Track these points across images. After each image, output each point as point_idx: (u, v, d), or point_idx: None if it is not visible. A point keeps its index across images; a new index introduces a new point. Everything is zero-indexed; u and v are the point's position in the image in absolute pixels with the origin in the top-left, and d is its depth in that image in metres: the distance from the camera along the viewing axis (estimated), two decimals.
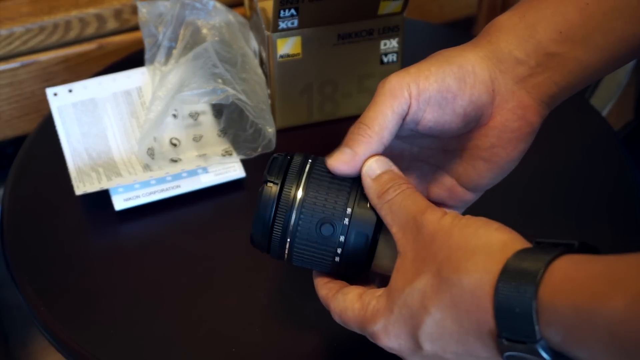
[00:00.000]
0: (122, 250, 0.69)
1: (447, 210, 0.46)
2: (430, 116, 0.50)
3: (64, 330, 0.62)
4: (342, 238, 0.49)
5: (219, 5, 0.78)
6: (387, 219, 0.48)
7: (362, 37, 0.74)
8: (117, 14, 0.90)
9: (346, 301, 0.48)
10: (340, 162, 0.49)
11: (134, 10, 0.90)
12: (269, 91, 0.76)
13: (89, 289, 0.65)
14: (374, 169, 0.49)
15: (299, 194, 0.49)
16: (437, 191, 0.55)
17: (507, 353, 0.40)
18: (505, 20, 0.52)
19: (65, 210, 0.71)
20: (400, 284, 0.45)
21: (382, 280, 0.52)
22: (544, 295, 0.38)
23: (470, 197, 0.55)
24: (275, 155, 0.52)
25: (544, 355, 0.39)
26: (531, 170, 0.72)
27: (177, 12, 0.77)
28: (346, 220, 0.49)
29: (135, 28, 0.91)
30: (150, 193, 0.70)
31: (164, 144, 0.74)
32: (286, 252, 0.50)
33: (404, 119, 0.50)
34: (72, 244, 0.69)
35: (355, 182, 0.50)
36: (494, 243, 0.42)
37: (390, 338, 0.45)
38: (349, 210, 0.49)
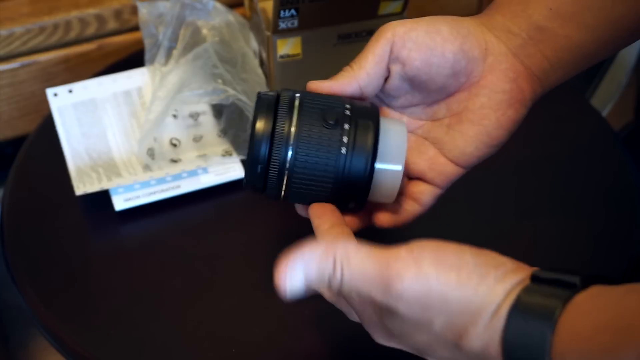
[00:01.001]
0: (122, 250, 0.69)
1: (412, 251, 0.42)
2: (417, 55, 0.50)
3: (64, 331, 0.62)
4: (346, 126, 0.49)
5: (219, 5, 0.78)
6: (356, 311, 0.45)
7: (362, 37, 0.74)
8: (117, 14, 0.90)
9: (365, 251, 0.43)
10: (321, 85, 0.51)
11: (134, 11, 0.90)
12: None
13: (89, 289, 0.65)
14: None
15: (293, 129, 0.49)
16: (417, 161, 0.54)
17: None
18: None
19: (65, 211, 0.71)
20: (398, 333, 0.43)
21: None
22: (555, 354, 0.37)
23: (451, 169, 0.53)
24: (260, 92, 0.51)
25: None
26: (531, 171, 0.72)
27: (177, 12, 0.77)
28: (347, 112, 0.50)
29: (135, 28, 0.91)
30: (150, 193, 0.70)
31: (164, 145, 0.74)
32: (285, 178, 0.49)
33: (389, 57, 0.51)
34: (72, 244, 0.69)
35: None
36: (496, 297, 0.40)
37: (404, 321, 0.43)
38: (347, 106, 0.50)
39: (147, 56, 0.78)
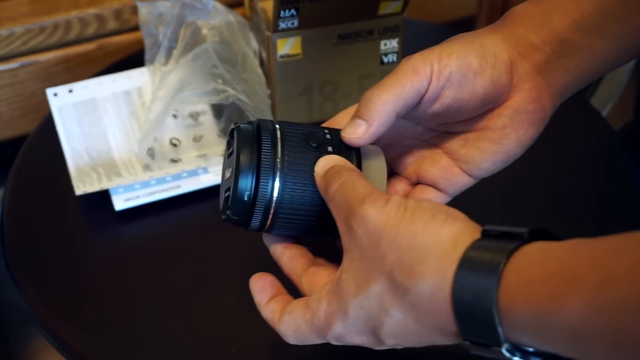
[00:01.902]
0: (122, 250, 0.69)
1: (388, 197, 0.44)
2: (450, 93, 0.49)
3: (64, 330, 0.62)
4: (330, 148, 0.49)
5: (219, 5, 0.78)
6: (334, 214, 0.47)
7: (362, 37, 0.74)
8: (117, 14, 0.90)
9: (295, 318, 0.47)
10: (354, 135, 0.49)
11: (134, 11, 0.90)
12: (269, 91, 0.76)
13: (89, 289, 0.65)
14: (322, 166, 0.48)
15: (279, 161, 0.48)
16: (430, 169, 0.54)
17: (473, 352, 0.40)
18: (520, 8, 0.52)
19: (65, 210, 0.71)
20: (352, 287, 0.44)
21: None
22: (503, 301, 0.38)
23: (464, 180, 0.54)
24: (239, 124, 0.50)
25: (510, 356, 0.39)
26: (531, 170, 0.72)
27: (177, 12, 0.77)
28: (328, 136, 0.49)
29: (135, 28, 0.91)
30: (151, 193, 0.70)
31: (164, 144, 0.74)
32: (272, 212, 0.48)
33: (422, 98, 0.49)
34: (72, 244, 0.69)
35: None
36: (445, 240, 0.41)
37: (352, 336, 0.45)
38: (326, 131, 0.50)
39: (147, 56, 0.78)
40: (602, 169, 0.74)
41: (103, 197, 0.70)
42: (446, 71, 0.49)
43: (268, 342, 0.61)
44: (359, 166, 0.49)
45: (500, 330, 0.38)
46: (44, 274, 0.66)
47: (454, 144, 0.53)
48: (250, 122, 0.50)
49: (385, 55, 0.76)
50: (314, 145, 0.48)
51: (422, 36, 0.90)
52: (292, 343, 0.48)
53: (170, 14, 0.77)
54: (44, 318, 0.63)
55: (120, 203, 0.70)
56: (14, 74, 0.89)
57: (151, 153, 0.73)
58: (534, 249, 0.39)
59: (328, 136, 0.50)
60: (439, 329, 0.42)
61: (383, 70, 0.77)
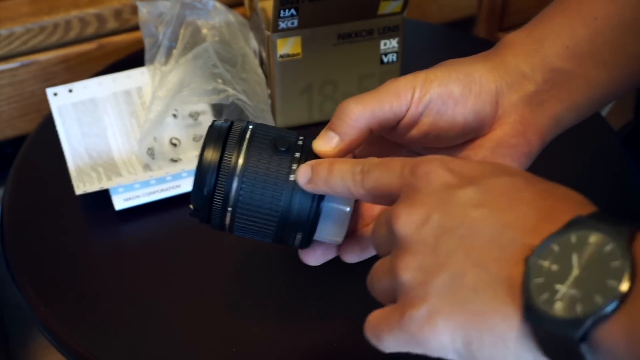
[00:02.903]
0: (122, 250, 0.69)
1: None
2: (427, 120, 0.48)
3: (64, 330, 0.62)
4: (297, 154, 0.48)
5: (219, 5, 0.78)
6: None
7: (362, 37, 0.74)
8: (117, 14, 0.90)
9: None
10: (325, 149, 0.48)
11: (134, 10, 0.90)
12: (269, 91, 0.76)
13: (89, 288, 0.65)
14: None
15: (240, 161, 0.48)
16: None
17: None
18: (513, 36, 0.51)
19: (65, 210, 0.71)
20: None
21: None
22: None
23: None
24: (215, 121, 0.50)
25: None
26: (530, 170, 0.72)
27: (177, 12, 0.77)
28: (300, 142, 0.49)
29: (135, 28, 0.91)
30: (150, 193, 0.70)
31: (164, 144, 0.74)
32: (229, 212, 0.48)
33: (399, 122, 0.48)
34: (72, 244, 0.69)
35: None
36: None
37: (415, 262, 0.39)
38: (301, 137, 0.49)
39: (147, 56, 0.78)
40: (602, 169, 0.74)
41: (103, 197, 0.70)
42: (426, 98, 0.48)
43: (268, 342, 0.61)
44: None
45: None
46: (44, 274, 0.66)
47: None
48: (226, 121, 0.50)
49: (385, 55, 0.76)
50: (282, 149, 0.48)
51: (422, 36, 0.90)
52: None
53: (170, 13, 0.77)
54: (44, 318, 0.63)
55: (120, 203, 0.70)
56: (13, 74, 0.89)
57: (151, 153, 0.73)
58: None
59: (300, 142, 0.49)
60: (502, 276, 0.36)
61: (383, 70, 0.77)
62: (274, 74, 0.74)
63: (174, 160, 0.73)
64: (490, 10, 1.11)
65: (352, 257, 0.52)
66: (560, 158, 0.74)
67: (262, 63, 0.77)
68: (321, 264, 0.53)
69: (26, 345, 1.11)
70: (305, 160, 0.48)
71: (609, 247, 0.34)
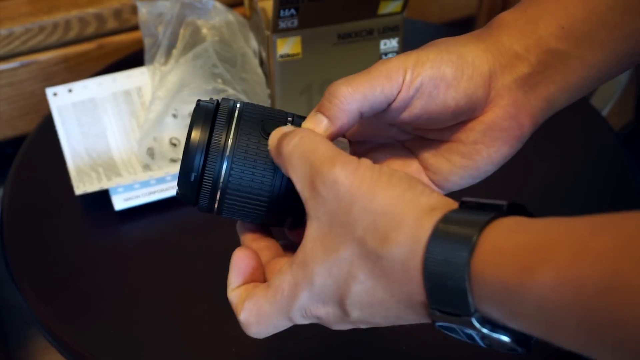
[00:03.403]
0: (122, 250, 0.69)
1: (358, 159, 0.42)
2: (419, 103, 0.47)
3: (64, 330, 0.61)
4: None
5: (219, 5, 0.78)
6: (292, 178, 0.44)
7: (362, 37, 0.74)
8: (117, 13, 0.90)
9: (256, 301, 0.44)
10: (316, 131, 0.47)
11: (134, 10, 0.90)
12: (269, 91, 0.76)
13: (89, 288, 0.65)
14: (274, 134, 0.46)
15: (230, 141, 0.46)
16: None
17: (440, 323, 0.39)
18: (507, 15, 0.50)
19: (65, 210, 0.71)
20: (319, 254, 0.42)
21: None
22: (475, 269, 0.37)
23: None
24: (200, 101, 0.48)
25: (479, 327, 0.38)
26: (530, 170, 0.72)
27: (177, 12, 0.77)
28: (289, 124, 0.48)
29: (135, 28, 0.91)
30: (150, 193, 0.70)
31: (163, 144, 0.74)
32: (219, 193, 0.47)
33: (390, 105, 0.47)
34: (72, 244, 0.69)
35: None
36: (422, 208, 0.40)
37: (318, 307, 0.43)
38: (289, 118, 0.48)
39: (146, 56, 0.78)
40: (602, 169, 0.74)
41: (103, 197, 0.70)
42: (417, 81, 0.47)
43: (268, 342, 0.61)
44: None
45: (470, 298, 0.37)
46: (44, 274, 0.66)
47: (426, 152, 0.51)
48: (212, 101, 0.49)
49: (385, 54, 0.76)
50: (270, 132, 0.47)
51: (422, 36, 0.90)
52: (253, 335, 0.45)
53: (170, 13, 0.77)
54: (43, 318, 0.63)
55: (119, 203, 0.69)
56: (13, 74, 0.89)
57: (151, 153, 0.73)
58: (511, 221, 0.38)
59: (289, 124, 0.48)
60: (408, 299, 0.40)
61: None
62: (274, 74, 0.74)
63: (174, 160, 0.73)
64: (490, 10, 1.11)
65: None
66: (561, 158, 0.74)
67: (262, 63, 0.77)
68: None
69: (25, 345, 1.11)
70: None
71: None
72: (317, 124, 0.47)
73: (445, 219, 0.39)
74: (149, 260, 0.67)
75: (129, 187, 0.70)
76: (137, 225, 0.70)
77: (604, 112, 1.10)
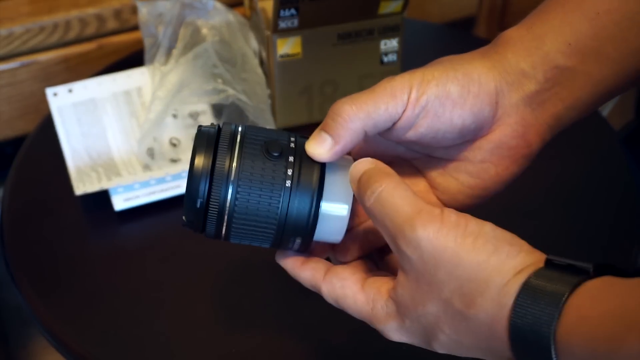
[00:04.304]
0: (121, 250, 0.69)
1: (441, 214, 0.42)
2: (424, 122, 0.47)
3: (64, 330, 0.61)
4: (291, 158, 0.46)
5: (219, 5, 0.78)
6: (377, 222, 0.44)
7: (362, 37, 0.74)
8: (117, 14, 0.90)
9: (345, 288, 0.46)
10: (318, 152, 0.46)
11: (134, 10, 0.90)
12: (269, 91, 0.76)
13: (89, 289, 0.65)
14: (354, 172, 0.46)
15: (234, 165, 0.46)
16: None
17: None
18: (512, 32, 0.49)
19: (65, 210, 0.71)
20: (409, 302, 0.43)
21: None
22: (561, 338, 0.37)
23: None
24: (201, 127, 0.48)
25: None
26: (530, 171, 0.72)
27: (177, 12, 0.77)
28: (292, 144, 0.47)
29: (135, 28, 0.91)
30: (150, 193, 0.70)
31: (163, 144, 0.74)
32: (225, 219, 0.46)
33: (395, 123, 0.47)
34: (72, 244, 0.69)
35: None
36: (507, 273, 0.40)
37: (402, 338, 0.45)
38: (292, 139, 0.47)
39: (146, 56, 0.78)
40: (602, 169, 0.74)
41: (103, 197, 0.70)
42: (423, 99, 0.46)
43: (268, 342, 0.61)
44: (321, 180, 0.47)
45: None
46: (44, 274, 0.66)
47: (433, 171, 0.51)
48: (213, 126, 0.48)
49: (385, 54, 0.76)
50: (275, 154, 0.46)
51: (422, 36, 0.90)
52: (331, 302, 0.47)
53: (170, 13, 0.77)
54: (43, 318, 0.63)
55: (119, 203, 0.69)
56: (13, 74, 0.89)
57: (151, 153, 0.73)
58: (598, 284, 0.38)
59: (292, 145, 0.47)
60: (493, 352, 0.41)
61: (383, 70, 0.77)
62: (274, 74, 0.74)
63: (174, 161, 0.73)
64: (491, 10, 1.11)
65: (348, 256, 0.51)
66: (561, 158, 0.74)
67: (262, 63, 0.77)
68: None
69: (25, 345, 1.11)
70: (300, 163, 0.47)
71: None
72: (321, 142, 0.47)
73: (532, 280, 0.39)
74: (149, 260, 0.67)
75: (129, 188, 0.70)
76: (137, 226, 0.70)
77: (604, 112, 1.10)
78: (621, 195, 0.71)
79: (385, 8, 0.72)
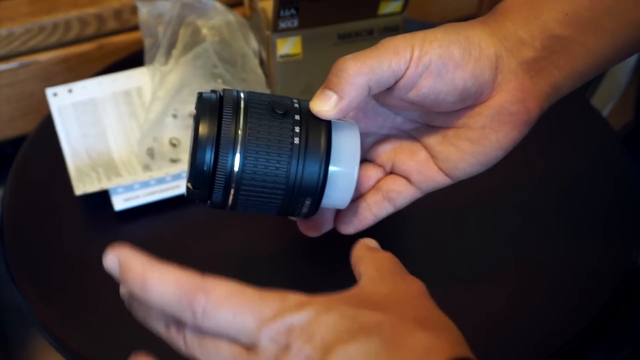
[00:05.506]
0: None
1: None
2: (427, 82, 0.47)
3: (64, 330, 0.61)
4: (297, 117, 0.45)
5: (219, 5, 0.78)
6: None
7: (362, 37, 0.74)
8: (117, 14, 0.90)
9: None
10: (324, 109, 0.46)
11: (134, 10, 0.90)
12: (269, 91, 0.76)
13: (89, 289, 0.65)
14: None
15: (240, 132, 0.44)
16: (406, 160, 0.51)
17: None
18: (510, 2, 0.50)
19: (65, 210, 0.71)
20: None
21: None
22: None
23: (439, 178, 0.51)
24: (201, 93, 0.46)
25: None
26: (531, 171, 0.72)
27: (177, 12, 0.77)
28: (296, 104, 0.46)
29: (135, 28, 0.91)
30: (150, 193, 0.70)
31: (163, 144, 0.74)
32: (233, 188, 0.45)
33: (398, 82, 0.47)
34: (72, 244, 0.69)
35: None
36: None
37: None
38: (295, 100, 0.47)
39: (146, 56, 0.78)
40: (602, 169, 0.74)
41: (103, 197, 0.70)
42: (426, 58, 0.46)
43: None
44: (329, 139, 0.46)
45: None
46: (44, 274, 0.66)
47: (433, 139, 0.51)
48: (214, 91, 0.47)
49: None
50: (280, 112, 0.45)
51: None
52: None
53: (170, 13, 0.77)
54: (43, 318, 0.63)
55: (119, 203, 0.69)
56: (13, 74, 0.89)
57: (151, 153, 0.73)
58: None
59: (296, 105, 0.47)
60: None
61: None
62: (274, 74, 0.74)
63: (174, 161, 0.73)
64: (491, 10, 1.11)
65: (349, 227, 0.51)
66: (561, 158, 0.74)
67: (262, 63, 0.77)
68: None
69: (25, 345, 1.11)
70: (307, 122, 0.45)
71: None
72: (326, 99, 0.46)
73: None
74: None
75: (129, 188, 0.70)
76: (137, 226, 0.70)
77: (604, 112, 1.10)
78: (621, 195, 0.71)
79: (385, 8, 0.72)
